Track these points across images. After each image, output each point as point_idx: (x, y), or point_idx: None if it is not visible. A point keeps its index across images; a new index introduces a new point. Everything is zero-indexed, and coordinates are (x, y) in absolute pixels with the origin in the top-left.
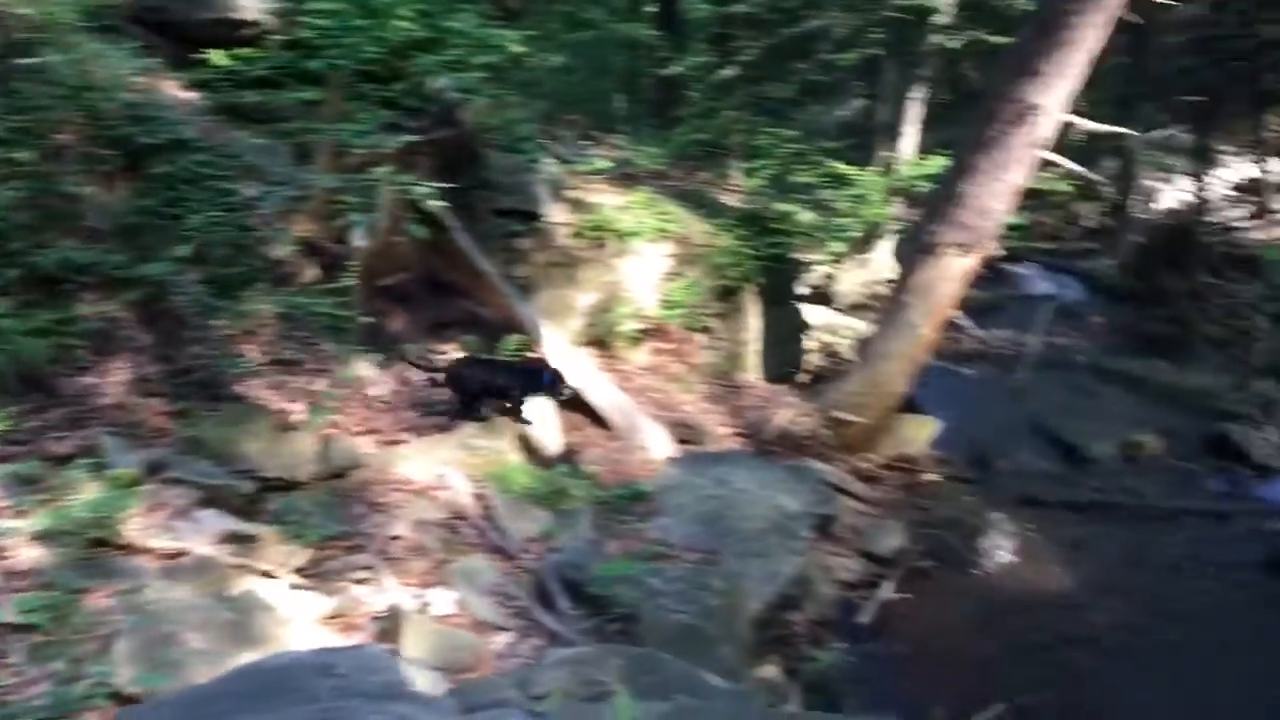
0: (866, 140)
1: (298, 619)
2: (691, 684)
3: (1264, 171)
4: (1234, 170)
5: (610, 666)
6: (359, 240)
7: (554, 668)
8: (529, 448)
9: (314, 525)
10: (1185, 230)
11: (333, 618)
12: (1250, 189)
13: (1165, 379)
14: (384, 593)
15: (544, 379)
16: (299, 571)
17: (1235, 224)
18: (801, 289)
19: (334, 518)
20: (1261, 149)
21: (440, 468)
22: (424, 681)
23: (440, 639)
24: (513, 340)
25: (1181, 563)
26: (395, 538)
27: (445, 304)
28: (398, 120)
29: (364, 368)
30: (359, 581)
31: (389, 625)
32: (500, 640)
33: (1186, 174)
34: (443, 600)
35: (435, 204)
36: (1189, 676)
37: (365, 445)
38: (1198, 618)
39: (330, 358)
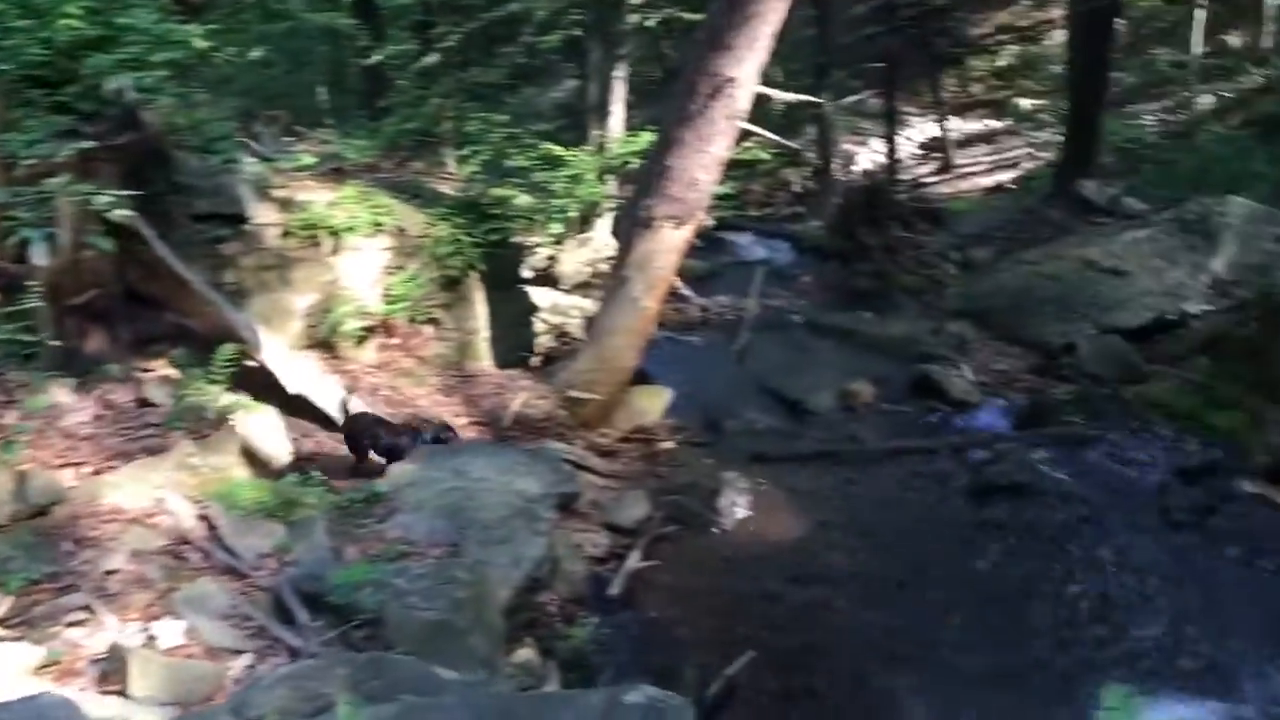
0: (580, 120)
1: (3, 673)
2: (422, 682)
3: (945, 130)
4: (919, 130)
5: (334, 677)
6: (39, 258)
7: (274, 686)
8: (255, 461)
9: (15, 570)
10: (878, 189)
11: (45, 667)
12: (935, 146)
13: (872, 329)
14: (103, 632)
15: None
16: (1, 622)
17: (923, 180)
18: (526, 273)
19: (38, 559)
20: (942, 109)
21: (157, 492)
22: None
23: (171, 672)
24: (227, 350)
25: (898, 499)
26: (111, 572)
27: (149, 318)
28: (73, 126)
29: (60, 394)
30: (74, 624)
31: (112, 666)
32: (238, 665)
33: (878, 136)
34: (171, 631)
35: (123, 213)
36: (913, 605)
37: (68, 477)
38: (916, 548)
39: (18, 387)
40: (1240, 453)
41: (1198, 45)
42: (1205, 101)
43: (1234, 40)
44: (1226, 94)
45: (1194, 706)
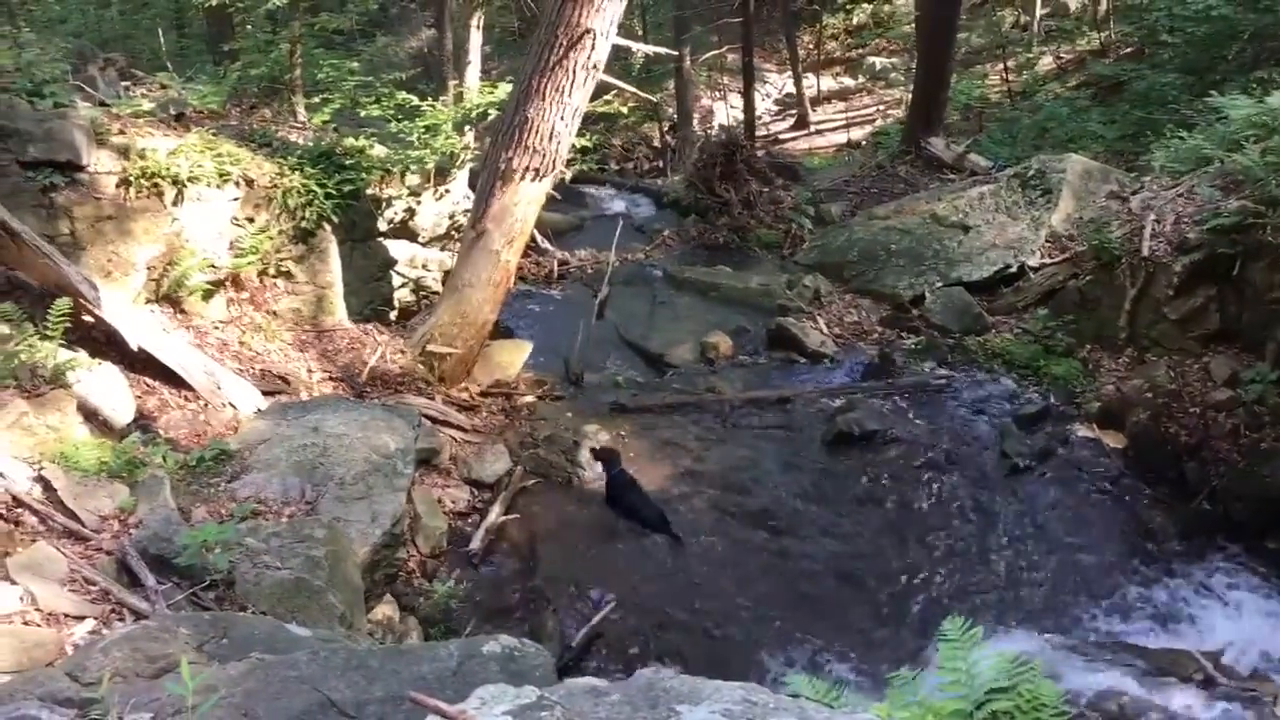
0: (437, 70)
1: None
2: (272, 640)
3: (801, 86)
4: (776, 86)
5: (177, 637)
6: None
7: (112, 648)
8: (95, 419)
9: None
10: (736, 144)
11: None
12: (791, 103)
13: (730, 283)
14: None
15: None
16: None
17: (780, 135)
18: (382, 225)
19: None
20: (799, 65)
21: None
22: None
23: (7, 640)
24: (62, 304)
25: (756, 448)
26: None
27: None
28: None
29: None
30: None
31: None
32: (80, 630)
33: (736, 91)
34: (6, 598)
35: None
36: (772, 550)
37: None
38: (774, 496)
39: None
40: (1074, 399)
41: (1039, 7)
42: (1045, 63)
43: (1073, 3)
44: (1065, 55)
45: (1031, 640)
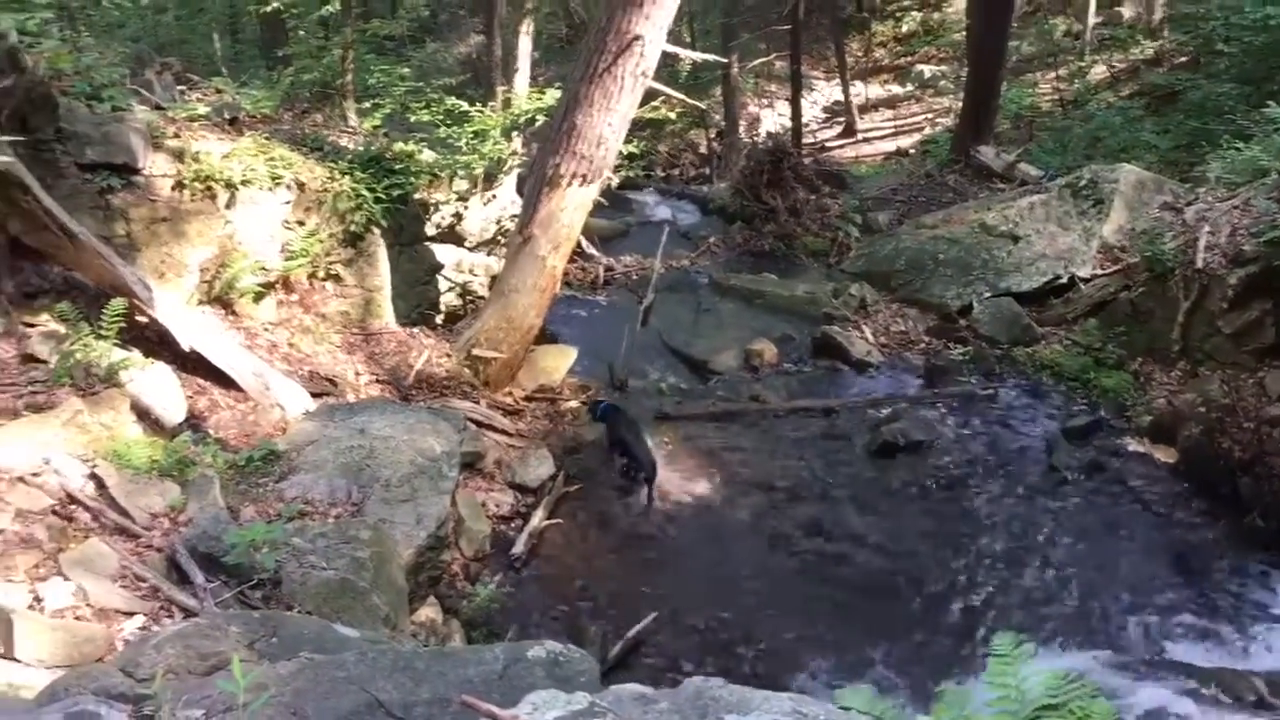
0: (485, 76)
1: None
2: (321, 639)
3: (849, 94)
4: (824, 94)
5: (228, 635)
6: None
7: (164, 645)
8: (147, 418)
9: None
10: (783, 151)
11: None
12: (839, 110)
13: (775, 290)
14: None
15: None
16: None
17: (827, 143)
18: (430, 230)
19: None
20: (847, 73)
21: (43, 451)
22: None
23: (58, 635)
24: (117, 304)
25: (801, 457)
26: None
27: (33, 270)
28: None
29: None
30: None
31: None
32: (130, 626)
33: (784, 99)
34: (58, 593)
35: (4, 160)
36: (814, 558)
37: None
38: (818, 505)
39: None
40: (1125, 412)
41: (1092, 16)
42: (1098, 71)
43: (1127, 12)
44: (1118, 64)
45: (1078, 655)
